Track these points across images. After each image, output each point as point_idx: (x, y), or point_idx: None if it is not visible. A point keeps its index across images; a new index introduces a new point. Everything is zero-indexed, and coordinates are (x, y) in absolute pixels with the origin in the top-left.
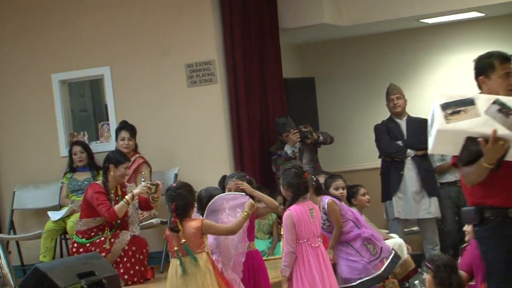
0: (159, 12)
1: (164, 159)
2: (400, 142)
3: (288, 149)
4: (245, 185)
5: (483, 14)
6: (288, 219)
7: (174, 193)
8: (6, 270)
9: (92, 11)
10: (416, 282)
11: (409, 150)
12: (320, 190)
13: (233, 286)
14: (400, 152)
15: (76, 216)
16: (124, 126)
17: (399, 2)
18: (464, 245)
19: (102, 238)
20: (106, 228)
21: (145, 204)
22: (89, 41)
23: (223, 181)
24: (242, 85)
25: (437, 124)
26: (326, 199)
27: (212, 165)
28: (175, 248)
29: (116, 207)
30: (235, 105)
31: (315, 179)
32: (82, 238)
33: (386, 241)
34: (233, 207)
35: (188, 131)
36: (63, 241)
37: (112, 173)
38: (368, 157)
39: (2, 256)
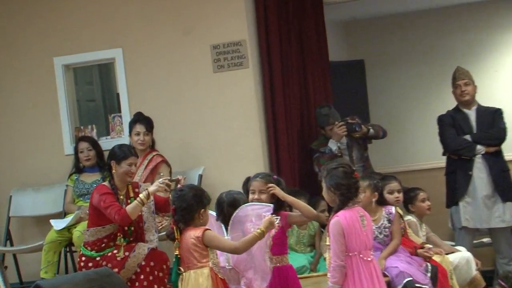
0: None
1: (186, 157)
2: (468, 137)
3: (332, 145)
4: (277, 189)
5: None
6: (336, 226)
7: (176, 194)
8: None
9: None
10: None
11: (479, 146)
12: (383, 199)
13: None
14: (468, 149)
15: (84, 224)
16: (139, 118)
17: None
18: None
19: (115, 251)
20: (119, 235)
21: (162, 205)
22: (98, 18)
23: (247, 184)
24: (278, 70)
25: None
26: (393, 207)
27: (242, 165)
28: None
29: (128, 207)
30: (269, 94)
31: (378, 184)
32: (91, 250)
33: (451, 255)
34: (258, 213)
35: (215, 124)
36: (68, 254)
37: (114, 171)
38: (429, 154)
39: None
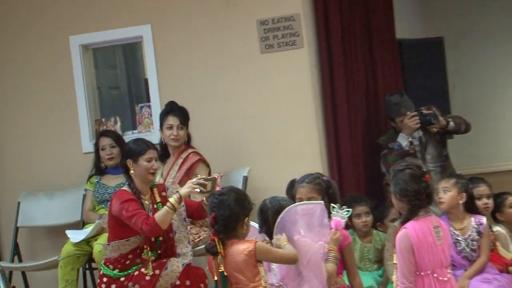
0: None
1: (229, 156)
2: None
3: (402, 140)
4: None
5: None
6: (404, 241)
7: (216, 200)
8: None
9: None
10: None
11: None
12: (473, 206)
13: None
14: None
15: (106, 236)
16: (172, 109)
17: None
18: None
19: (142, 269)
20: (145, 247)
21: (195, 211)
22: None
23: (291, 188)
24: (338, 50)
25: None
26: (484, 218)
27: (295, 164)
28: (215, 278)
29: (157, 215)
30: (328, 78)
31: (467, 184)
32: (113, 269)
33: None
34: (309, 222)
35: (262, 116)
36: (88, 272)
37: (132, 171)
38: None
39: None
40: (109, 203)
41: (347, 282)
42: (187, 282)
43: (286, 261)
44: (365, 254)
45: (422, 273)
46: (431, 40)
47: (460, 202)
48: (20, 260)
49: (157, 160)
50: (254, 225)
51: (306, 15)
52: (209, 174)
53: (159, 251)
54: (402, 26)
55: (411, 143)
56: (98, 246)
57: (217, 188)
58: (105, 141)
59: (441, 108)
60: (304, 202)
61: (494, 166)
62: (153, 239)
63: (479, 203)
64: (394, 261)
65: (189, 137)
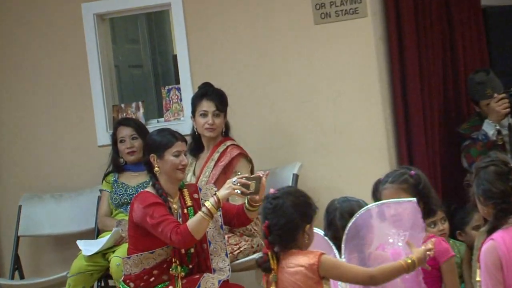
0: None
1: (275, 149)
2: None
3: (488, 128)
4: None
5: None
6: (490, 254)
7: (270, 205)
8: None
9: None
10: None
11: None
12: None
13: None
14: None
15: (126, 248)
16: (207, 92)
17: None
18: None
19: (170, 287)
20: (174, 260)
21: (235, 216)
22: None
23: (376, 191)
24: (410, 19)
25: None
26: None
27: (357, 160)
28: None
29: (190, 223)
30: (397, 54)
31: None
32: (135, 287)
33: None
34: (393, 230)
35: (316, 100)
36: None
37: (157, 168)
38: None
39: None
40: (129, 207)
41: None
42: None
43: (360, 281)
44: None
45: None
46: None
47: None
48: (21, 277)
49: (186, 155)
50: (319, 232)
51: None
52: (252, 171)
53: (190, 266)
54: None
55: (498, 132)
56: (116, 259)
57: (271, 190)
58: (125, 132)
59: None
60: (388, 200)
61: None
62: (183, 251)
63: None
64: (478, 278)
65: (227, 127)
